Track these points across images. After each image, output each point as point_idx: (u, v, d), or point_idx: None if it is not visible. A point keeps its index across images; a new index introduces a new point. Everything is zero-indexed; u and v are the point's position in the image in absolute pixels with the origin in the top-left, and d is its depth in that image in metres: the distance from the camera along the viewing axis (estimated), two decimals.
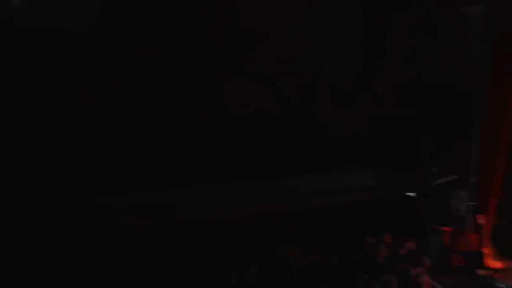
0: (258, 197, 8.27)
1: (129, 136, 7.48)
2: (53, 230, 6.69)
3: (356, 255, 8.50)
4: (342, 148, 9.13)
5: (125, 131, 7.47)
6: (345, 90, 9.59)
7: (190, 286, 7.40)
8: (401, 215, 9.87)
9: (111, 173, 7.19)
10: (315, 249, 8.31)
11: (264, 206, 8.23)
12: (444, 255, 9.93)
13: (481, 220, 10.13)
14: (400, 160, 9.93)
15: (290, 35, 9.37)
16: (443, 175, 10.13)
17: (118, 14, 7.91)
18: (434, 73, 10.28)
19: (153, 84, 7.87)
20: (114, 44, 7.74)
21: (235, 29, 8.90)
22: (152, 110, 7.69)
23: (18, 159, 6.73)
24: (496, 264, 10.06)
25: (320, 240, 8.54)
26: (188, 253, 7.73)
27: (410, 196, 10.22)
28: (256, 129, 8.46)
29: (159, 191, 7.44)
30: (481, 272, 9.72)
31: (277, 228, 8.45)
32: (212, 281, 7.46)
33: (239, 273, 7.52)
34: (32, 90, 7.00)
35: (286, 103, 8.97)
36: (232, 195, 8.00)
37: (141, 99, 7.71)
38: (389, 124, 9.59)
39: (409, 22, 10.46)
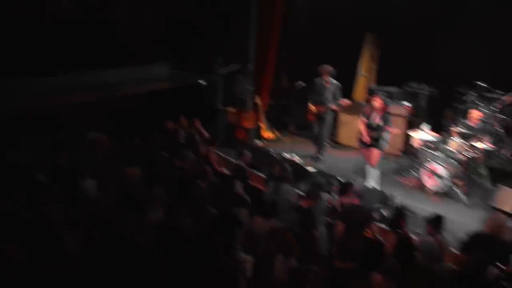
0: (72, 87, 8.10)
1: None
2: None
3: (158, 137, 8.63)
4: (142, 43, 9.11)
5: None
6: None
7: None
8: (194, 100, 10.22)
9: None
10: (122, 134, 8.38)
11: (77, 95, 8.08)
12: (229, 131, 10.63)
13: (258, 100, 11.05)
14: (192, 52, 10.24)
15: None
16: (227, 65, 10.75)
17: None
18: None
19: None
20: None
21: None
22: None
23: None
24: (269, 135, 11.10)
25: (126, 125, 8.61)
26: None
27: (201, 83, 10.61)
28: (61, 29, 8.12)
29: None
30: (259, 142, 10.66)
31: (86, 116, 8.35)
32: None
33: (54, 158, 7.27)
34: None
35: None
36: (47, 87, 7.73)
37: None
38: (181, 23, 9.71)
39: None
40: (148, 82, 9.49)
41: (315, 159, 9.84)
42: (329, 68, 9.50)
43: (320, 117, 9.67)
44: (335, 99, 9.53)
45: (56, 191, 5.99)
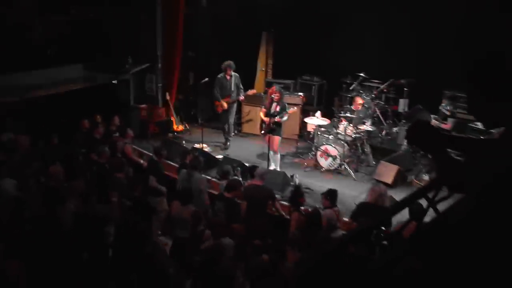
0: None
1: None
2: None
3: (76, 135, 8.44)
4: (54, 46, 8.75)
5: None
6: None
7: None
8: (108, 98, 9.97)
9: None
10: (40, 134, 8.08)
11: None
12: (143, 126, 10.47)
13: (167, 96, 10.97)
14: (104, 54, 9.98)
15: None
16: (137, 64, 10.57)
17: None
18: None
19: None
20: None
21: None
22: None
23: None
24: (179, 128, 11.06)
25: (44, 125, 8.28)
26: None
27: (113, 82, 10.36)
28: None
29: None
30: (170, 135, 10.59)
31: (2, 119, 7.96)
32: None
33: None
34: None
35: None
36: None
37: None
38: (92, 26, 9.42)
39: None
40: (63, 83, 9.10)
41: (224, 147, 9.98)
42: (230, 63, 9.60)
43: (227, 109, 9.78)
44: (238, 89, 9.70)
45: None
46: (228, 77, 9.64)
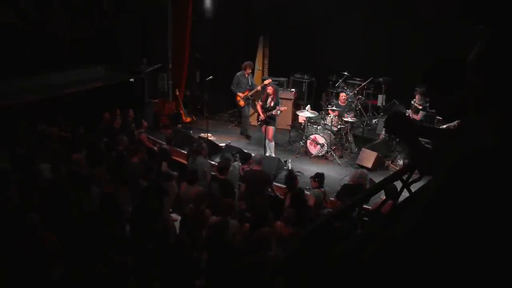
0: (22, 90, 7.65)
1: None
2: None
3: (98, 126, 8.44)
4: (80, 50, 8.75)
5: None
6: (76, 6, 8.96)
7: None
8: (125, 94, 10.03)
9: None
10: (69, 126, 8.08)
11: (27, 96, 7.62)
12: (155, 118, 10.47)
13: (177, 92, 10.98)
14: (122, 56, 9.99)
15: None
16: (151, 64, 10.56)
17: None
18: None
19: None
20: None
21: None
22: None
23: None
24: (187, 119, 11.08)
25: (71, 119, 8.29)
26: None
27: (130, 81, 10.37)
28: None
29: None
30: (179, 126, 10.56)
31: (38, 113, 7.98)
32: None
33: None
34: None
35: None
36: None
37: None
38: (112, 32, 9.40)
39: None
40: (87, 82, 9.12)
41: (246, 135, 10.06)
42: (251, 63, 9.81)
43: (247, 101, 9.92)
44: (253, 85, 9.85)
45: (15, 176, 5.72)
46: (246, 75, 9.73)
